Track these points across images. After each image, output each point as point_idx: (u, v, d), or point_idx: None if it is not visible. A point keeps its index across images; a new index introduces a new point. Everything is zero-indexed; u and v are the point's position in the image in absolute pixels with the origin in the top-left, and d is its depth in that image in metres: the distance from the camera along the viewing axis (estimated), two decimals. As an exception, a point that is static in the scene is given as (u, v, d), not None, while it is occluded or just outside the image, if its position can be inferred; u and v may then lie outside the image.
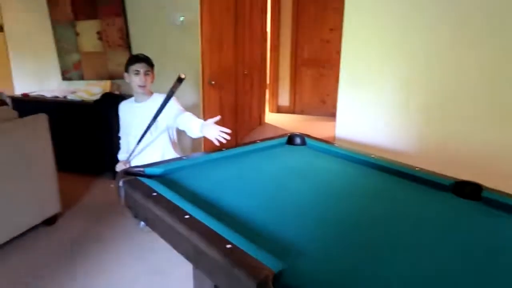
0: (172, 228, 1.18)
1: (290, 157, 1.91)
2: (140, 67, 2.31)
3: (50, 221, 2.83)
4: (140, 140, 2.25)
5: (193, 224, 1.14)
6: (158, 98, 2.34)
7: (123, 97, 3.71)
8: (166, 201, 1.29)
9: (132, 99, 2.48)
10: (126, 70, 2.36)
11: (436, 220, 1.29)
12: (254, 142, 2.03)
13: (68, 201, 3.12)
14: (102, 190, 3.49)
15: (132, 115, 2.44)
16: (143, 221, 1.41)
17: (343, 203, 1.41)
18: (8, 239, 2.49)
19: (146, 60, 2.35)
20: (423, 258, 1.06)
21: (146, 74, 2.33)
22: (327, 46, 6.12)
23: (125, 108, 2.52)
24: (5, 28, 4.40)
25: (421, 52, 2.49)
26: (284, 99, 6.60)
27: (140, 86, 2.33)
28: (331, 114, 6.62)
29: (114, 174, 3.83)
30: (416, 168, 1.63)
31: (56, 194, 2.83)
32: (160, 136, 2.41)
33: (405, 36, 2.52)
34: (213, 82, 3.82)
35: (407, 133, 2.62)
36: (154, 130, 2.33)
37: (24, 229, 2.61)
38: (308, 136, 2.14)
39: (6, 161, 2.42)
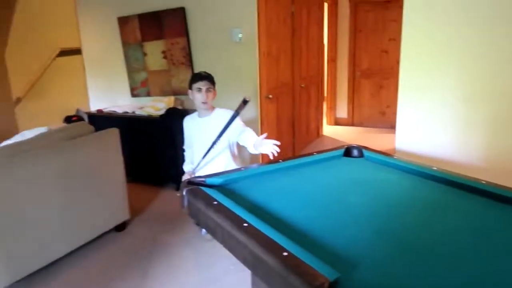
0: (231, 235, 1.24)
1: (347, 169, 1.91)
2: (202, 84, 2.44)
3: (120, 228, 3.05)
4: (205, 155, 2.37)
5: (251, 232, 1.19)
6: (220, 113, 2.47)
7: (186, 111, 3.92)
8: (226, 209, 1.36)
9: (196, 114, 2.63)
10: (190, 88, 2.51)
11: (504, 235, 1.23)
12: (310, 154, 2.06)
13: (136, 209, 3.34)
14: (166, 199, 3.69)
15: (196, 129, 2.58)
16: (205, 228, 1.49)
17: (402, 215, 1.39)
18: (84, 242, 2.72)
19: (207, 78, 2.48)
20: (488, 276, 1.01)
21: (207, 91, 2.45)
22: (386, 57, 5.98)
23: (189, 123, 2.67)
24: (83, 51, 4.86)
25: (485, 61, 2.37)
26: (342, 111, 6.52)
27: (202, 103, 2.46)
28: (391, 126, 6.39)
29: (178, 185, 4.01)
30: (482, 181, 1.55)
31: (125, 202, 3.05)
32: (223, 150, 2.52)
33: (467, 45, 2.42)
34: (270, 96, 3.91)
35: (472, 145, 2.48)
36: (216, 145, 2.44)
37: (98, 234, 2.84)
38: (366, 148, 2.12)
39: (83, 171, 2.67)
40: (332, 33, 6.14)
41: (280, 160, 1.94)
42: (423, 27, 2.53)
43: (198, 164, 2.46)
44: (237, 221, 1.26)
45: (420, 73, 2.58)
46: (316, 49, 5.36)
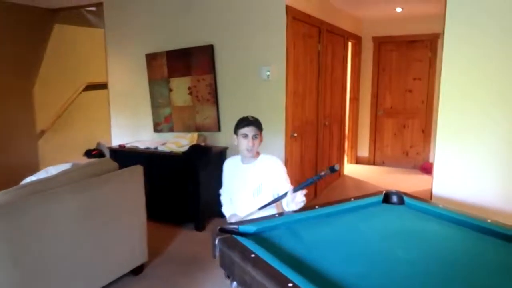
0: (274, 296, 1.11)
1: (389, 218, 1.77)
2: (248, 130, 2.21)
3: (137, 271, 2.89)
4: (264, 207, 2.09)
5: (298, 294, 1.06)
6: (265, 160, 2.27)
7: (209, 148, 3.86)
8: (265, 264, 1.23)
9: (239, 158, 2.36)
10: (235, 132, 2.28)
11: None
12: (348, 199, 1.94)
13: (153, 250, 3.15)
14: (185, 240, 3.52)
15: (237, 175, 2.35)
16: (240, 283, 1.35)
17: (464, 277, 1.23)
18: (100, 287, 2.55)
19: (255, 124, 2.24)
20: None
21: (254, 138, 2.21)
22: (411, 96, 5.89)
23: (230, 166, 2.43)
24: (109, 86, 4.92)
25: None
26: (364, 150, 6.38)
27: (247, 150, 2.22)
28: (414, 166, 6.21)
29: (197, 224, 3.82)
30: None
31: (144, 244, 2.90)
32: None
33: (510, 86, 2.31)
34: (295, 134, 3.83)
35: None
36: (257, 193, 2.20)
37: (114, 278, 2.66)
38: (406, 194, 1.98)
39: (104, 211, 2.56)
40: (355, 72, 6.12)
41: (316, 206, 1.82)
42: (462, 69, 2.45)
43: (251, 214, 2.15)
44: (280, 280, 1.13)
45: (459, 116, 2.47)
46: (339, 88, 5.32)
